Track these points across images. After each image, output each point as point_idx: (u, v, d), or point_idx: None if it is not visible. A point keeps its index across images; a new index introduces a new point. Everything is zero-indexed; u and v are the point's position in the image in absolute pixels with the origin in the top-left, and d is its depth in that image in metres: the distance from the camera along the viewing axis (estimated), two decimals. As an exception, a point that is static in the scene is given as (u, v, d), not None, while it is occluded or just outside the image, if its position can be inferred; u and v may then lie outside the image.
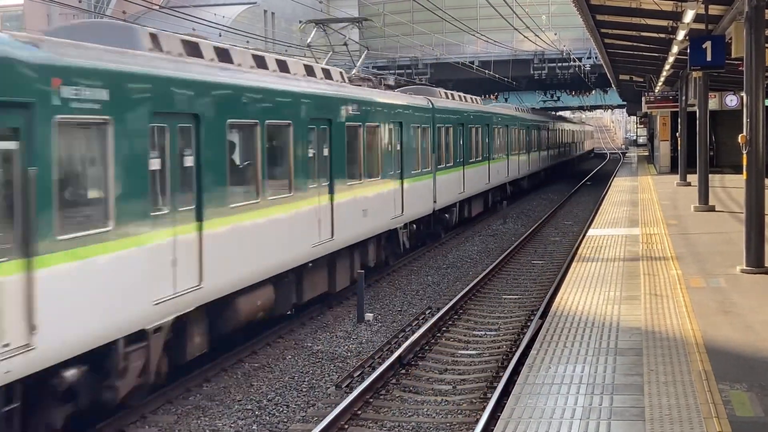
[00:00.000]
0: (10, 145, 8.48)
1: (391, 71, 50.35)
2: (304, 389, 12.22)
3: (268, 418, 11.05)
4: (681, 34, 20.93)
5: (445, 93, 28.43)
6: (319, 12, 58.56)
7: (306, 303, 15.78)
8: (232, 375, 12.83)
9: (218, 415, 11.16)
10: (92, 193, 9.90)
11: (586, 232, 24.07)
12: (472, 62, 51.10)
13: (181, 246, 11.06)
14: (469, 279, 20.48)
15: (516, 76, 53.95)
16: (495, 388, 11.57)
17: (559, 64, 53.57)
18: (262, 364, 13.40)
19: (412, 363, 13.35)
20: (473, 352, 14.20)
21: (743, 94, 15.58)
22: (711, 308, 12.42)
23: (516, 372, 11.61)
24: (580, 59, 53.27)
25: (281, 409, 11.37)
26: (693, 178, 29.50)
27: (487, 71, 50.85)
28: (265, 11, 53.68)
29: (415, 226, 23.04)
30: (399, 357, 13.12)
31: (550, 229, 30.62)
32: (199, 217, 11.52)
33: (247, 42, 41.12)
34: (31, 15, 45.12)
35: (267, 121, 13.65)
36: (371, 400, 11.56)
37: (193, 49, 12.37)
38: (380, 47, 56.44)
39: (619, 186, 38.27)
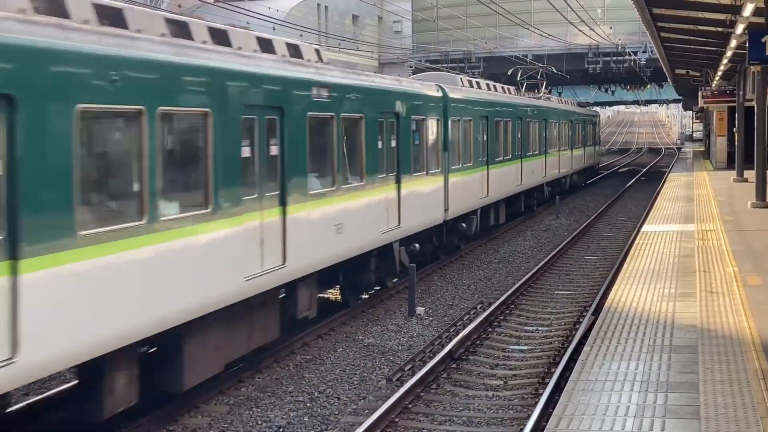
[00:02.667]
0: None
1: (443, 65, 50.28)
2: (355, 382, 12.26)
3: (319, 410, 11.11)
4: (740, 28, 20.62)
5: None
6: (372, 6, 58.65)
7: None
8: (284, 367, 12.92)
9: (270, 406, 11.24)
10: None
11: (640, 227, 23.82)
12: (526, 56, 50.75)
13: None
14: (521, 274, 20.39)
15: (570, 70, 53.48)
16: (547, 384, 11.50)
17: (614, 58, 53.02)
18: (314, 357, 13.47)
19: (463, 357, 13.33)
20: (525, 347, 14.15)
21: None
22: (768, 306, 12.21)
23: (568, 368, 11.54)
24: (635, 53, 52.64)
25: (333, 402, 11.43)
26: (750, 174, 29.05)
27: (540, 65, 50.43)
28: (319, 5, 53.80)
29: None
30: (450, 351, 13.11)
31: (603, 224, 30.35)
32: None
33: (301, 36, 41.29)
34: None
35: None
36: (422, 393, 11.57)
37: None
38: (433, 41, 56.31)
39: (675, 181, 37.79)
